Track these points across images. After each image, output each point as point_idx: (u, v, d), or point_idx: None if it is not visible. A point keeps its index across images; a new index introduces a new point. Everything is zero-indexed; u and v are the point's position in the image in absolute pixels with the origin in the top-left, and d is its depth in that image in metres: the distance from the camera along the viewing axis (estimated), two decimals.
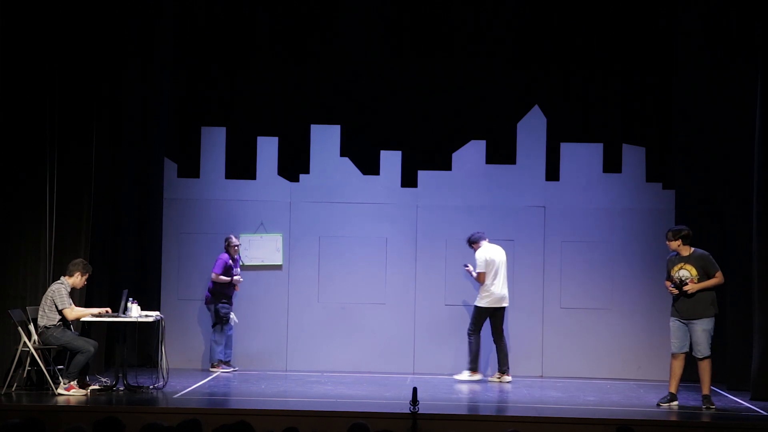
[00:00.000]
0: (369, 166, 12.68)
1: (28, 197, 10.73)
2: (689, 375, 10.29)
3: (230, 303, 12.17)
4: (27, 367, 10.15)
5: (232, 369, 12.11)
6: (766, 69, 10.67)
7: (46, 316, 10.16)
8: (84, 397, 9.86)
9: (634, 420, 9.16)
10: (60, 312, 10.16)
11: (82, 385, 10.11)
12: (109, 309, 10.55)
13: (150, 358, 11.65)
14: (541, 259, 12.56)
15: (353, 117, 12.66)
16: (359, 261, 12.62)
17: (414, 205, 12.66)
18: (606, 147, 12.57)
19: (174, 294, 12.55)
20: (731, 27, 11.44)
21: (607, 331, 12.47)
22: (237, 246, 12.18)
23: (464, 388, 11.28)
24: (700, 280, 9.83)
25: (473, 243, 11.88)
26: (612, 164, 12.57)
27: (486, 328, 11.86)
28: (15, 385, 10.12)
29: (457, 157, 12.66)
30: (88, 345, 10.15)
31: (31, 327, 10.21)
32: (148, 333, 11.66)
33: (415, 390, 7.73)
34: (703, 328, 9.81)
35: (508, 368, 11.75)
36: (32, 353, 10.09)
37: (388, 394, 10.57)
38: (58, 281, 10.29)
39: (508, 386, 11.46)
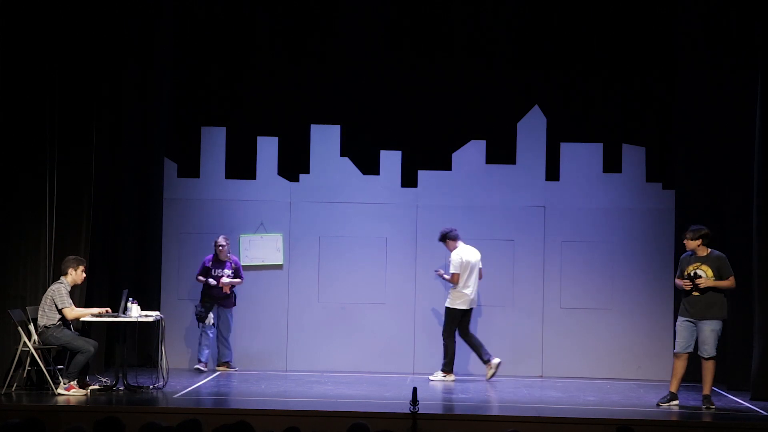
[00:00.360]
0: (369, 166, 12.68)
1: (28, 197, 10.73)
2: (689, 375, 10.28)
3: (212, 304, 12.02)
4: (27, 367, 10.15)
5: (199, 366, 11.96)
6: (766, 69, 10.67)
7: (46, 316, 10.16)
8: (84, 397, 9.86)
9: (634, 420, 9.16)
10: (60, 311, 10.16)
11: (82, 385, 10.11)
12: (109, 309, 10.55)
13: (150, 358, 11.65)
14: (541, 259, 12.56)
15: (353, 117, 12.66)
16: (359, 261, 12.62)
17: (414, 205, 12.66)
18: (606, 147, 12.57)
19: (174, 294, 12.54)
20: (731, 27, 11.44)
21: (607, 331, 12.47)
22: (222, 247, 12.00)
23: (464, 388, 11.27)
24: None
25: (449, 240, 11.85)
26: (612, 164, 12.57)
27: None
28: (15, 385, 10.12)
29: (457, 157, 12.66)
30: (88, 345, 10.15)
31: (31, 327, 10.22)
32: (148, 333, 11.65)
33: (415, 390, 7.73)
34: (711, 329, 9.81)
35: (490, 355, 11.73)
36: (32, 353, 10.09)
37: (388, 394, 10.57)
38: (58, 281, 10.30)
39: (507, 386, 11.45)
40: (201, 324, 12.03)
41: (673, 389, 10.03)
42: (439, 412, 9.62)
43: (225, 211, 12.65)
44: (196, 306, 12.07)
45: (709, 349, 9.81)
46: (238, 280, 12.17)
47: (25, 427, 5.95)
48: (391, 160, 12.68)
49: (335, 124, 12.67)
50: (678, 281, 10.07)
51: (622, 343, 12.44)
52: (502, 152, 12.63)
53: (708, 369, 9.85)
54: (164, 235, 12.60)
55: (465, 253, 11.82)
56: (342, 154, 12.68)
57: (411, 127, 12.62)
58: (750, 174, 10.95)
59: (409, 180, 12.68)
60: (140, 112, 12.27)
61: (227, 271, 12.08)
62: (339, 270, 12.64)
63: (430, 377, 11.81)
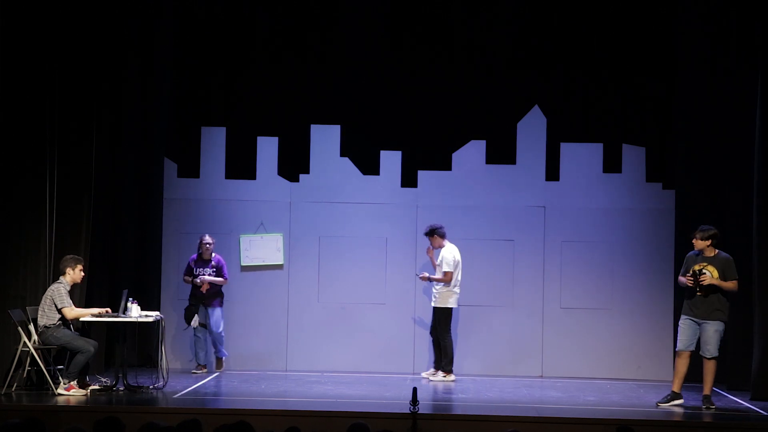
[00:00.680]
0: (369, 166, 12.68)
1: (28, 197, 10.73)
2: (690, 375, 10.26)
3: (197, 305, 11.91)
4: (27, 367, 10.15)
5: (195, 369, 11.91)
6: (766, 69, 10.67)
7: (46, 316, 10.16)
8: (84, 397, 9.86)
9: (634, 420, 9.16)
10: (59, 311, 10.16)
11: (82, 385, 10.11)
12: (109, 309, 10.55)
13: (150, 358, 11.64)
14: (541, 259, 12.56)
15: (353, 117, 12.66)
16: (359, 261, 12.62)
17: (414, 205, 12.66)
18: (606, 147, 12.57)
19: (174, 294, 12.54)
20: (731, 27, 11.44)
21: (607, 331, 12.47)
22: (209, 245, 11.89)
23: (464, 388, 11.27)
24: None
25: (438, 236, 11.83)
26: (612, 164, 12.56)
27: (427, 326, 12.08)
28: (15, 385, 10.12)
29: (457, 157, 12.66)
30: (88, 345, 10.15)
31: (31, 327, 10.21)
32: (148, 333, 11.65)
33: (415, 390, 7.73)
34: (715, 329, 9.82)
35: (441, 368, 11.76)
36: (32, 353, 10.09)
37: (388, 394, 10.57)
38: (58, 281, 10.30)
39: (507, 386, 11.45)
40: (188, 326, 11.98)
41: (676, 388, 10.03)
42: (439, 412, 9.62)
43: (225, 211, 12.65)
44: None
45: (711, 349, 9.82)
46: (219, 279, 11.98)
47: (25, 427, 5.94)
48: (391, 160, 12.68)
49: (335, 124, 12.67)
50: (681, 278, 10.07)
51: (622, 343, 12.43)
52: (502, 152, 12.63)
53: (709, 369, 9.85)
54: (164, 235, 12.59)
55: (456, 252, 11.82)
56: (342, 154, 12.68)
57: (411, 127, 12.62)
58: (750, 174, 10.95)
59: (409, 180, 12.68)
60: (140, 112, 12.27)
61: (209, 270, 11.97)
62: (339, 270, 12.63)
63: (425, 374, 11.84)
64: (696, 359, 10.04)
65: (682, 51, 12.18)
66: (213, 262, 11.98)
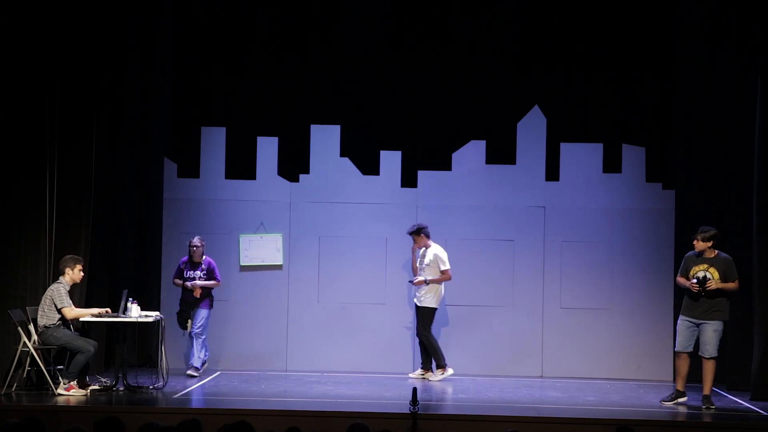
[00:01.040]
0: (369, 166, 12.68)
1: (28, 197, 10.74)
2: (690, 375, 10.27)
3: (187, 310, 11.81)
4: (27, 367, 10.15)
5: (190, 372, 11.73)
6: (766, 69, 10.67)
7: (46, 316, 10.16)
8: (84, 397, 9.87)
9: (634, 420, 9.17)
10: (59, 311, 10.16)
11: (82, 385, 10.12)
12: (108, 309, 10.55)
13: (150, 358, 11.64)
14: (541, 259, 12.56)
15: (353, 117, 12.66)
16: (359, 261, 12.62)
17: (414, 205, 12.66)
18: (606, 147, 12.57)
19: (174, 294, 12.51)
20: (731, 27, 11.45)
21: (607, 331, 12.47)
22: (197, 248, 11.75)
23: (464, 388, 11.26)
24: None
25: (425, 235, 11.84)
26: (612, 164, 12.56)
27: (411, 326, 12.14)
28: (15, 385, 10.12)
29: (457, 157, 12.66)
30: (88, 345, 10.16)
31: (31, 327, 10.22)
32: (148, 333, 11.64)
33: (415, 390, 7.73)
34: (714, 329, 9.84)
35: (431, 367, 11.78)
36: (32, 353, 10.09)
37: (388, 394, 10.57)
38: (57, 281, 10.30)
39: (507, 386, 11.45)
40: (185, 332, 11.93)
41: (680, 387, 10.07)
42: (439, 412, 9.62)
43: (225, 211, 12.65)
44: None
45: (710, 349, 9.83)
46: (212, 282, 11.88)
47: (25, 427, 5.94)
48: (391, 160, 12.68)
49: (335, 124, 12.66)
50: (681, 280, 10.07)
51: (622, 343, 12.43)
52: (502, 152, 12.63)
53: (708, 369, 9.87)
54: (164, 235, 12.59)
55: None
56: (342, 154, 12.68)
57: (411, 127, 12.62)
58: (750, 174, 10.95)
59: (409, 180, 12.68)
60: (140, 112, 12.27)
61: (199, 273, 11.87)
62: (339, 270, 12.63)
63: (412, 375, 11.84)
64: (696, 359, 10.06)
65: (681, 51, 12.17)
66: (203, 265, 11.86)
